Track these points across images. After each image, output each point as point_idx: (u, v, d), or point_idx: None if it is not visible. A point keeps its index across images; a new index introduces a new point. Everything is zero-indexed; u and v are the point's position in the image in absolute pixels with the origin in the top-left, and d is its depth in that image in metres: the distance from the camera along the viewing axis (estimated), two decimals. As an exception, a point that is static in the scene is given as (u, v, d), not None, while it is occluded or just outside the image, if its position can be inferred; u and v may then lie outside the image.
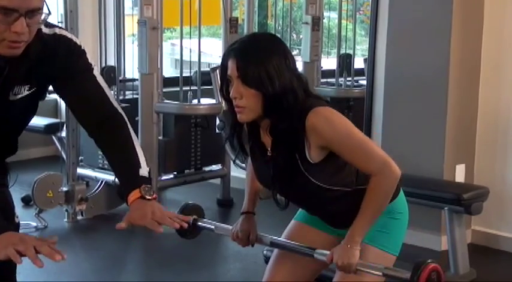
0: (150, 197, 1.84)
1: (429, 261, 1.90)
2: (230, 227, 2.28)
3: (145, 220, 1.83)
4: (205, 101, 4.89)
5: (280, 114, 1.97)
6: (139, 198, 1.83)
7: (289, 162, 2.01)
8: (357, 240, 2.00)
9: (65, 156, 4.75)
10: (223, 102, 2.08)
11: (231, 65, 1.98)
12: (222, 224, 2.36)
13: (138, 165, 1.86)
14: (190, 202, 2.39)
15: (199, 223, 2.28)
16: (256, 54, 1.96)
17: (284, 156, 2.02)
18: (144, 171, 1.87)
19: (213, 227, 2.29)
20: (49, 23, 1.81)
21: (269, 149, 2.07)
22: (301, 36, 6.25)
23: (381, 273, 1.95)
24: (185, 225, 1.91)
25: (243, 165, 4.46)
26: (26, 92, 1.79)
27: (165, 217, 1.85)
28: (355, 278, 2.06)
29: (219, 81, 2.05)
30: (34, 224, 4.43)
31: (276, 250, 2.29)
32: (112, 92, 4.85)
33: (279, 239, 2.22)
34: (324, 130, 1.96)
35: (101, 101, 1.91)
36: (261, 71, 1.93)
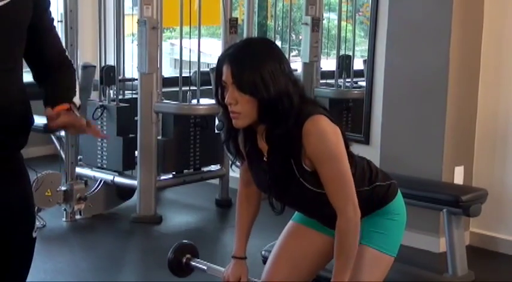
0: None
1: None
2: (222, 270, 2.30)
3: (76, 124, 1.96)
4: (204, 101, 4.89)
5: (275, 119, 1.97)
6: (69, 109, 1.96)
7: (284, 168, 2.02)
8: None
9: (63, 156, 4.75)
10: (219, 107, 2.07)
11: (226, 71, 1.97)
12: (215, 266, 2.37)
13: (74, 92, 2.04)
14: (185, 241, 2.41)
15: (192, 263, 2.31)
16: (251, 60, 1.95)
17: (279, 162, 2.02)
18: (77, 99, 2.03)
19: (205, 267, 2.33)
20: None
21: (265, 154, 2.07)
22: (300, 37, 6.24)
23: None
24: (104, 136, 2.05)
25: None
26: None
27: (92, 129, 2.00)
28: (353, 280, 2.07)
29: (214, 86, 2.05)
30: (32, 223, 4.43)
31: (273, 251, 2.29)
32: (111, 91, 4.93)
33: None
34: (313, 142, 1.96)
35: (57, 41, 2.08)
36: (256, 77, 1.93)
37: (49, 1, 2.05)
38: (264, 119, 1.99)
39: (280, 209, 2.16)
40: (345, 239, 2.03)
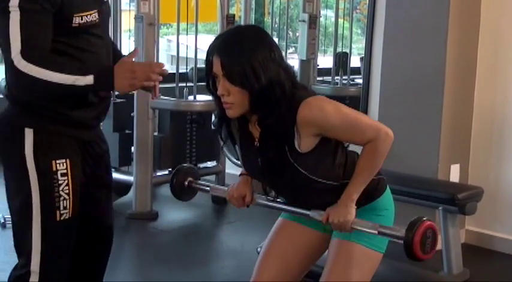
0: None
1: (424, 219, 1.90)
2: (225, 188, 2.29)
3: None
4: (201, 97, 4.89)
5: (268, 108, 1.97)
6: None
7: (277, 152, 2.02)
8: (353, 198, 2.04)
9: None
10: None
11: (216, 62, 1.97)
12: (217, 185, 2.39)
13: None
14: (185, 164, 2.43)
15: (194, 184, 2.31)
16: (240, 51, 1.94)
17: (272, 147, 2.02)
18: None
19: (208, 188, 2.34)
20: None
21: (256, 139, 2.07)
22: (297, 34, 6.25)
23: (376, 232, 1.99)
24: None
25: (238, 162, 4.46)
26: None
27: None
28: (342, 277, 2.07)
29: (205, 76, 2.05)
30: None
31: (264, 248, 2.29)
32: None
33: (274, 201, 2.21)
34: (319, 120, 1.98)
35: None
36: (246, 68, 1.93)
37: None
38: (256, 109, 1.99)
39: (275, 195, 2.18)
40: (378, 155, 2.06)
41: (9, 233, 2.29)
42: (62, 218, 2.16)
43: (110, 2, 5.13)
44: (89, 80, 2.05)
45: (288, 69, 2.02)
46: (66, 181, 2.16)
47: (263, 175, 2.11)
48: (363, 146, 2.07)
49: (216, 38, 2.04)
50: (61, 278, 2.24)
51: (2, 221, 4.29)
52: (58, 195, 2.15)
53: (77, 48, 2.16)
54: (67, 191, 2.16)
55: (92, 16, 2.16)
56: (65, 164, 2.16)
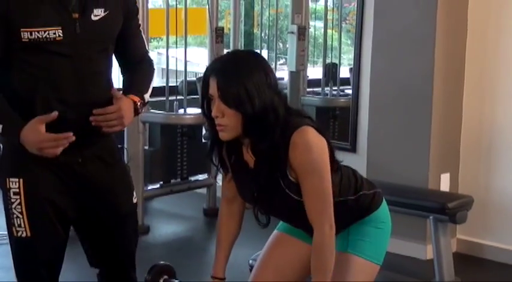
0: (139, 108, 2.23)
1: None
2: None
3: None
4: (191, 110, 4.89)
5: (261, 133, 1.97)
6: (131, 100, 2.20)
7: (270, 179, 2.02)
8: None
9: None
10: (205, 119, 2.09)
11: (212, 84, 1.98)
12: None
13: (146, 89, 2.32)
14: (161, 262, 2.41)
15: None
16: (236, 73, 1.96)
17: (265, 174, 2.02)
18: (147, 96, 2.32)
19: None
20: None
21: (251, 165, 2.07)
22: (287, 46, 6.26)
23: None
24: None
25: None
26: (103, 14, 2.16)
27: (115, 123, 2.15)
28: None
29: (200, 98, 2.06)
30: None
31: (258, 260, 2.29)
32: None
33: None
34: (299, 153, 1.97)
35: (141, 44, 2.35)
36: (241, 90, 1.94)
37: (137, 10, 2.35)
38: (249, 133, 1.99)
39: (266, 222, 2.16)
40: (321, 253, 2.03)
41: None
42: (18, 235, 2.18)
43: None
44: None
45: (281, 93, 2.04)
46: (18, 200, 2.16)
47: (256, 201, 2.12)
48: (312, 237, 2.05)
49: (214, 61, 2.06)
50: None
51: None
52: (12, 212, 2.17)
53: (32, 65, 2.11)
54: (19, 210, 2.16)
55: (50, 33, 2.06)
56: (17, 183, 2.15)
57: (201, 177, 5.15)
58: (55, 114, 2.06)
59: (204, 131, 4.94)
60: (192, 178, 5.10)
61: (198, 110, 4.90)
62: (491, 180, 4.17)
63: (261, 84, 1.96)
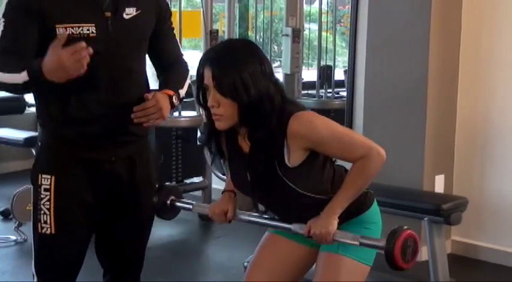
0: (174, 101, 2.22)
1: (405, 228, 1.91)
2: (208, 205, 2.30)
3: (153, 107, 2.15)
4: (186, 113, 4.89)
5: (257, 122, 1.98)
6: (166, 94, 2.20)
7: (267, 166, 2.02)
8: (336, 211, 2.04)
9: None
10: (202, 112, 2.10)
11: (207, 73, 1.98)
12: (200, 203, 2.40)
13: (181, 85, 2.32)
14: (167, 183, 2.44)
15: (177, 203, 2.32)
16: (232, 63, 1.96)
17: (262, 161, 2.03)
18: (182, 92, 2.30)
19: (190, 206, 2.33)
20: None
21: (246, 153, 2.07)
22: (282, 48, 6.27)
23: (357, 243, 1.99)
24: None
25: (224, 177, 4.46)
26: (134, 13, 2.19)
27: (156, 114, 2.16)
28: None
29: (196, 88, 2.07)
30: (14, 237, 4.39)
31: (251, 262, 2.29)
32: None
33: (257, 216, 2.21)
34: (309, 134, 1.98)
35: (175, 46, 2.39)
36: (236, 80, 1.94)
37: (170, 13, 2.38)
38: (245, 122, 2.00)
39: (265, 209, 2.18)
40: (366, 173, 2.03)
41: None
42: (43, 231, 2.20)
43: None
44: (23, 76, 2.04)
45: (278, 83, 2.04)
46: (48, 196, 2.18)
47: (252, 189, 2.11)
48: (352, 163, 2.07)
49: (208, 50, 2.06)
50: None
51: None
52: (40, 208, 2.20)
53: None
54: (47, 206, 2.19)
55: (84, 29, 2.09)
56: (49, 179, 2.18)
57: (196, 179, 5.15)
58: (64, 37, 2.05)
59: (199, 134, 4.94)
60: (187, 181, 5.10)
61: (193, 113, 4.91)
62: (485, 182, 4.18)
63: (256, 73, 1.96)
